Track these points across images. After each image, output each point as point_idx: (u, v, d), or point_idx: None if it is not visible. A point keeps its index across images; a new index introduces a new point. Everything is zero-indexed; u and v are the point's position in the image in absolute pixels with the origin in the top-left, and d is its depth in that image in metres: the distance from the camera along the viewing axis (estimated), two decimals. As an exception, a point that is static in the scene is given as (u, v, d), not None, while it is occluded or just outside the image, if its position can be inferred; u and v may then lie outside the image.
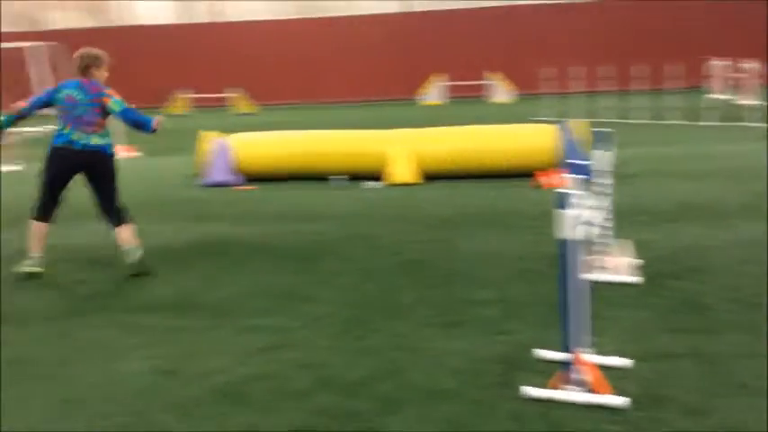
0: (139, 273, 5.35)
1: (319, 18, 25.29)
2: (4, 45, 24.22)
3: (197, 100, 22.64)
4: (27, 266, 5.43)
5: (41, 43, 24.01)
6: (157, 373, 3.66)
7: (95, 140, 5.38)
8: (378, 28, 24.97)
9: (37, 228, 5.43)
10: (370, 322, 4.26)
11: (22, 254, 5.55)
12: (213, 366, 3.71)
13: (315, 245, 6.13)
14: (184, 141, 13.73)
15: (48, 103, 5.47)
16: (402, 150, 8.89)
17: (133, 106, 5.64)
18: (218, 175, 9.14)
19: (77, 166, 5.37)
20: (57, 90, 5.47)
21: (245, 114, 20.74)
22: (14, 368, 3.80)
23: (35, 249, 5.44)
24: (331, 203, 7.90)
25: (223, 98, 22.62)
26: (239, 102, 21.97)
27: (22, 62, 23.71)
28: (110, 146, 5.49)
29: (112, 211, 5.48)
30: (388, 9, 25.20)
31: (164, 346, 4.01)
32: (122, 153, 12.33)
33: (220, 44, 25.19)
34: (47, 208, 5.44)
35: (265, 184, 9.00)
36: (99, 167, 5.41)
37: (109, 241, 6.40)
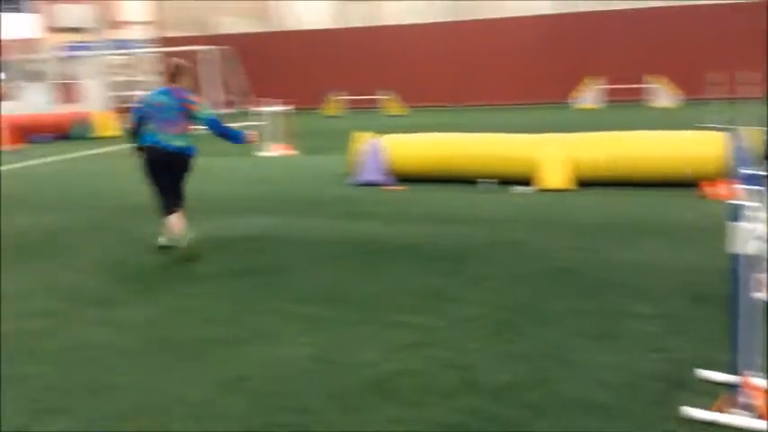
0: (189, 258, 5.90)
1: (471, 20, 25.26)
2: (179, 48, 26.24)
3: (350, 101, 23.35)
4: (167, 243, 6.13)
5: (213, 47, 25.83)
6: (315, 361, 3.83)
7: (177, 143, 5.94)
8: (531, 29, 24.55)
9: (170, 221, 6.02)
10: (519, 328, 4.20)
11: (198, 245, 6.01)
12: (363, 359, 3.82)
13: (462, 247, 6.13)
14: (338, 141, 14.20)
15: (147, 111, 6.02)
16: (554, 155, 8.68)
17: (220, 116, 6.22)
18: (370, 175, 9.38)
19: (164, 163, 5.95)
20: (148, 98, 6.11)
21: (395, 116, 21.12)
22: (188, 347, 4.12)
23: (175, 233, 6.03)
24: (479, 207, 7.87)
25: (374, 100, 23.17)
26: (390, 103, 22.40)
27: (195, 64, 25.58)
28: (190, 148, 6.04)
29: (178, 197, 6.09)
30: (542, 10, 24.68)
31: (320, 336, 4.18)
32: (281, 151, 13.00)
33: (374, 47, 25.84)
34: (168, 205, 6.03)
35: (414, 185, 9.12)
36: (179, 165, 6.02)
37: (267, 233, 6.76)
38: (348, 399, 3.39)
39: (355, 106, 23.57)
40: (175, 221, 6.01)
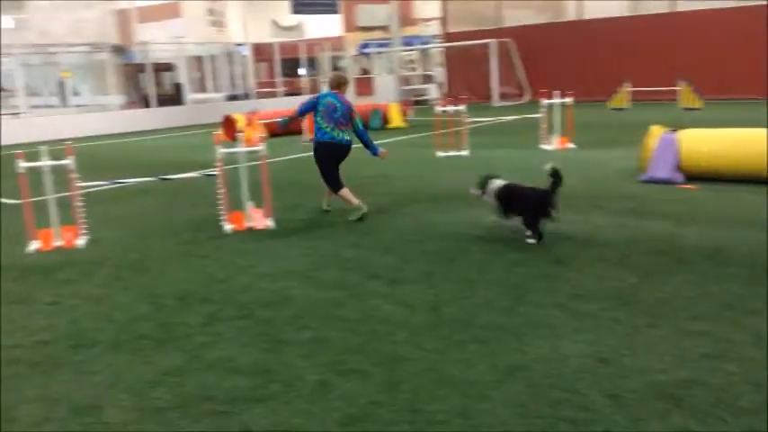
0: (360, 219, 7.36)
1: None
2: (461, 43, 27.09)
3: (638, 93, 22.08)
4: (356, 215, 7.42)
5: (493, 40, 26.22)
6: (596, 360, 3.76)
7: (347, 137, 7.47)
8: None
9: (345, 192, 7.55)
10: (837, 352, 3.67)
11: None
12: (650, 364, 3.66)
13: (764, 255, 5.51)
14: (623, 135, 13.58)
15: (313, 108, 7.45)
16: None
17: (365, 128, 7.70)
18: (660, 172, 8.81)
19: (338, 154, 7.47)
20: (319, 99, 7.46)
21: (689, 109, 19.50)
22: (470, 330, 4.31)
23: (355, 202, 7.50)
24: (789, 211, 6.98)
25: (665, 91, 21.62)
26: (684, 95, 20.73)
27: (486, 56, 26.19)
28: (351, 140, 7.52)
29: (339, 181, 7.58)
30: None
31: (602, 335, 4.09)
32: (562, 144, 12.78)
33: (668, 35, 24.08)
34: (337, 181, 7.57)
35: (710, 185, 8.38)
36: (344, 154, 7.53)
37: (549, 226, 6.70)
38: (631, 402, 3.27)
39: (643, 98, 22.22)
40: (347, 192, 7.55)
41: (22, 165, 6.76)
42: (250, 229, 7.25)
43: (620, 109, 21.18)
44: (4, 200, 9.57)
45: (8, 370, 3.99)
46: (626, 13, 25.78)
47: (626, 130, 14.26)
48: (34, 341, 4.42)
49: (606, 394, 3.35)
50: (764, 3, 22.55)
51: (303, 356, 4.00)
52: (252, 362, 3.95)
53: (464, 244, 6.33)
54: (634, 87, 21.88)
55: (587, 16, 26.51)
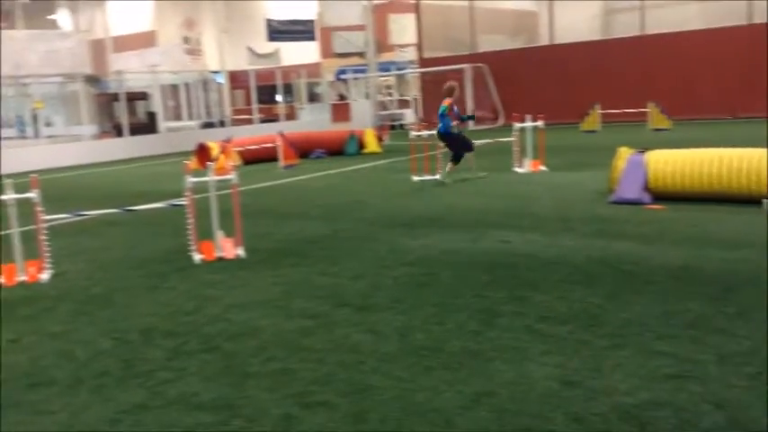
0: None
1: (759, 24, 22.81)
2: (435, 69, 27.35)
3: (609, 115, 22.36)
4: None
5: (467, 65, 26.53)
6: (562, 383, 3.74)
7: (440, 126, 12.01)
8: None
9: (468, 158, 12.35)
10: (800, 369, 3.69)
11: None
12: (615, 385, 3.65)
13: (729, 273, 5.57)
14: (593, 157, 13.72)
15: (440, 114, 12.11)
16: None
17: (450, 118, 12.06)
18: (628, 193, 8.89)
19: (441, 136, 12.20)
20: (444, 109, 11.94)
21: (658, 130, 19.79)
22: (439, 357, 4.27)
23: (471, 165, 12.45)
24: (753, 230, 7.06)
25: (635, 113, 21.91)
26: (653, 117, 21.01)
27: (461, 81, 26.41)
28: (442, 127, 11.96)
29: (458, 149, 12.26)
30: None
31: (568, 358, 4.07)
32: (530, 167, 12.86)
33: (637, 58, 24.53)
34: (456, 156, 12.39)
35: (677, 204, 8.48)
36: (444, 137, 12.14)
37: (515, 249, 6.72)
38: (597, 426, 3.25)
39: (614, 120, 22.52)
40: (470, 158, 12.36)
41: (-14, 198, 6.65)
42: (220, 259, 7.17)
43: (592, 131, 21.43)
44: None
45: (-36, 411, 3.88)
46: (596, 38, 26.22)
47: (596, 152, 14.42)
48: (-8, 380, 4.31)
49: (572, 418, 3.33)
50: (730, 26, 23.06)
51: (268, 389, 3.92)
52: (215, 397, 3.87)
53: (435, 269, 6.31)
54: (604, 110, 22.15)
55: (558, 41, 26.93)
